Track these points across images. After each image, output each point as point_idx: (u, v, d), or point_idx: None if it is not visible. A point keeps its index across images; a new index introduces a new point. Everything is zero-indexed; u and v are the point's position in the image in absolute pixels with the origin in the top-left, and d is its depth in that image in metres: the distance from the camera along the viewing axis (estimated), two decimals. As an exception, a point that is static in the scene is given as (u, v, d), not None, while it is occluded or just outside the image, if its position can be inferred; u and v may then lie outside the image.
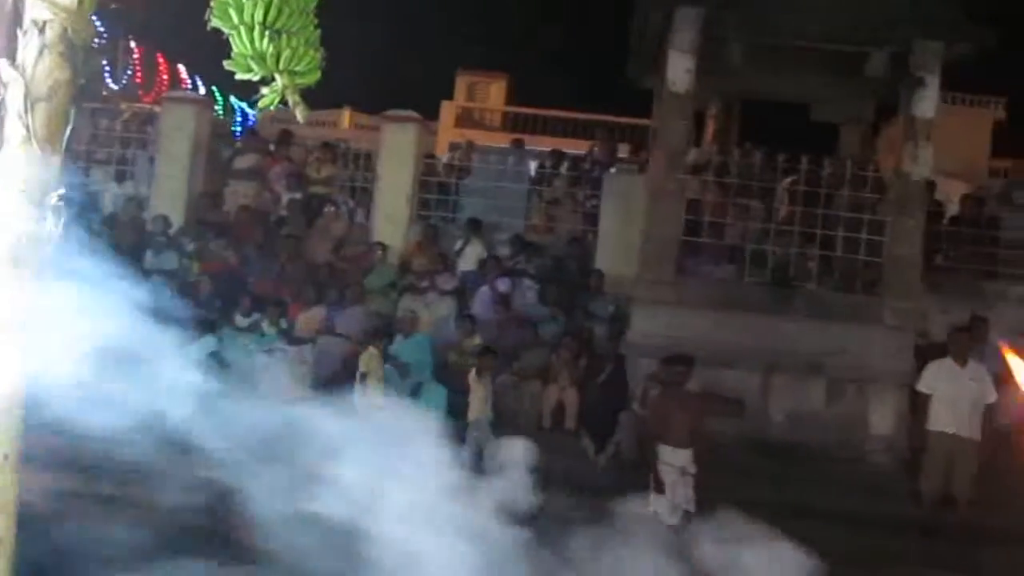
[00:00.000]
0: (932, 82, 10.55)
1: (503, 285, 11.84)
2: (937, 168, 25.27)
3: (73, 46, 2.11)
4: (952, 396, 9.26)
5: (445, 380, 10.92)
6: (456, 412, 10.75)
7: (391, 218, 12.89)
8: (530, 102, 33.44)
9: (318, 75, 1.96)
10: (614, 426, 10.14)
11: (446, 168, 13.52)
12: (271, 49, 1.90)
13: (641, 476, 9.20)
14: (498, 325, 11.23)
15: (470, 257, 12.37)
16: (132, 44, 26.59)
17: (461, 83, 34.28)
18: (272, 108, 2.03)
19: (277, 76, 1.93)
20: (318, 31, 2.01)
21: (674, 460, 8.77)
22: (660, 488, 8.76)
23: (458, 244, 12.57)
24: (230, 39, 2.01)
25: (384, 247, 12.55)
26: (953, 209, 13.51)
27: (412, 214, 13.11)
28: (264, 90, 2.03)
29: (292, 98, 1.93)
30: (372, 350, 10.07)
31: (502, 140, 23.03)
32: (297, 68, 1.92)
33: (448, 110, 32.84)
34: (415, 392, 10.64)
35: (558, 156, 13.86)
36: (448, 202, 13.39)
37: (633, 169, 12.28)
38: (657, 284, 10.56)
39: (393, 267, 12.50)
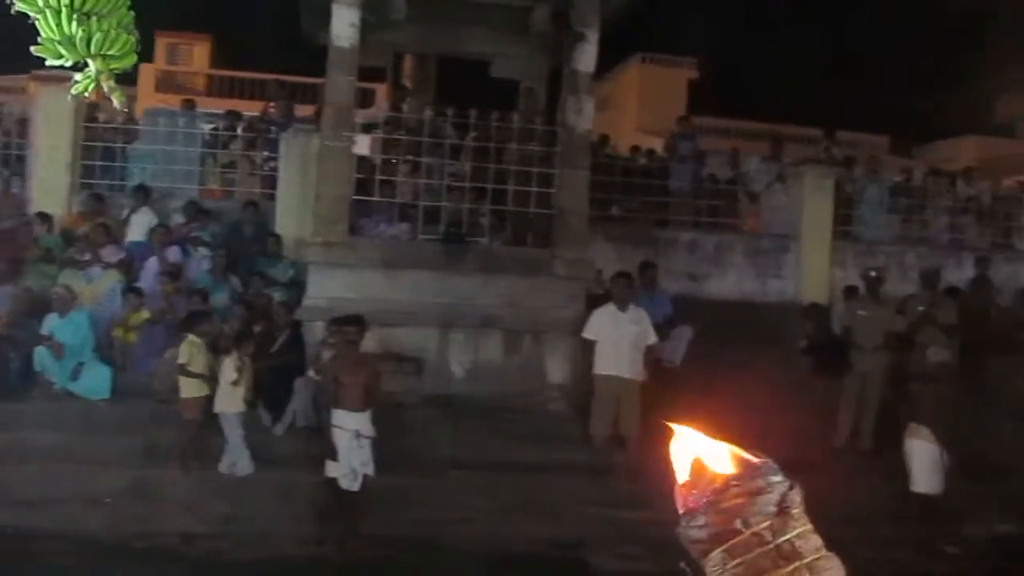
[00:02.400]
0: (592, 36, 10.78)
1: (173, 255, 11.20)
2: (637, 125, 26.45)
3: None
4: (614, 340, 9.57)
5: (110, 359, 10.29)
6: (122, 392, 10.13)
7: (49, 187, 11.89)
8: (238, 65, 32.10)
9: (134, 58, 1.65)
10: (291, 394, 9.82)
11: (111, 132, 12.57)
12: (80, 33, 1.56)
13: (320, 444, 9.01)
14: (166, 297, 10.60)
15: (138, 226, 11.61)
16: None
17: (161, 45, 32.43)
18: (87, 94, 1.69)
19: (90, 61, 1.59)
20: (132, 13, 1.68)
21: (348, 423, 8.59)
22: (334, 454, 8.56)
23: (124, 213, 11.77)
24: (36, 24, 1.65)
25: (48, 218, 11.58)
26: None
27: (74, 182, 12.15)
28: (77, 76, 1.70)
29: (107, 84, 1.60)
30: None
31: (209, 106, 21.91)
32: (111, 52, 1.60)
33: (147, 74, 30.98)
34: (75, 374, 9.91)
35: (233, 117, 13.24)
36: (115, 169, 12.49)
37: (311, 129, 11.87)
38: (330, 245, 10.29)
39: (58, 240, 11.55)
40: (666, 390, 10.64)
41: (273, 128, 12.68)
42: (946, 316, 10.72)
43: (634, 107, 32.01)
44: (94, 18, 1.66)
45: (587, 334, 9.72)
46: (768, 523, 0.90)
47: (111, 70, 1.67)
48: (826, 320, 11.60)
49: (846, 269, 12.86)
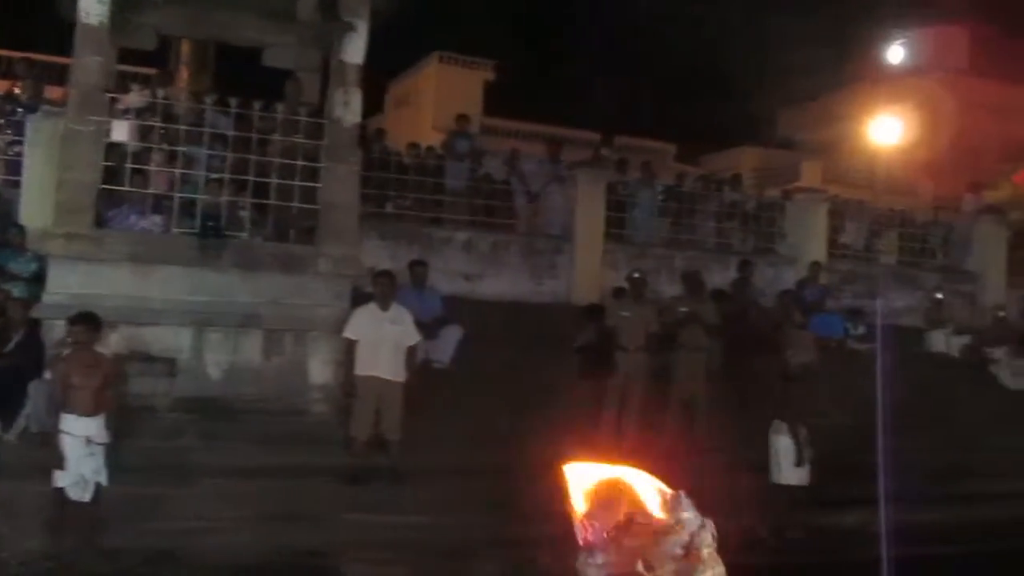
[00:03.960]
0: (361, 28, 10.48)
1: None
2: (434, 124, 26.28)
3: None
4: (375, 340, 9.31)
5: None
6: None
7: None
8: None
9: None
10: (25, 397, 9.07)
11: None
12: None
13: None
14: None
15: None
16: None
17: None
18: None
19: None
20: None
21: (78, 429, 7.96)
22: (61, 462, 7.93)
23: None
24: None
25: None
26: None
27: None
28: None
29: None
30: None
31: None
32: None
33: None
34: None
35: (-25, 97, 12.21)
36: None
37: (61, 112, 11.03)
38: (73, 237, 9.57)
39: None
40: (433, 391, 10.53)
41: (19, 110, 11.74)
42: (707, 317, 11.01)
43: (431, 106, 31.81)
44: None
45: (347, 333, 9.42)
46: (674, 567, 0.81)
47: None
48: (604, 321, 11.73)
49: (618, 271, 13.06)
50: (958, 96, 34.41)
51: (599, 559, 0.82)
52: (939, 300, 15.22)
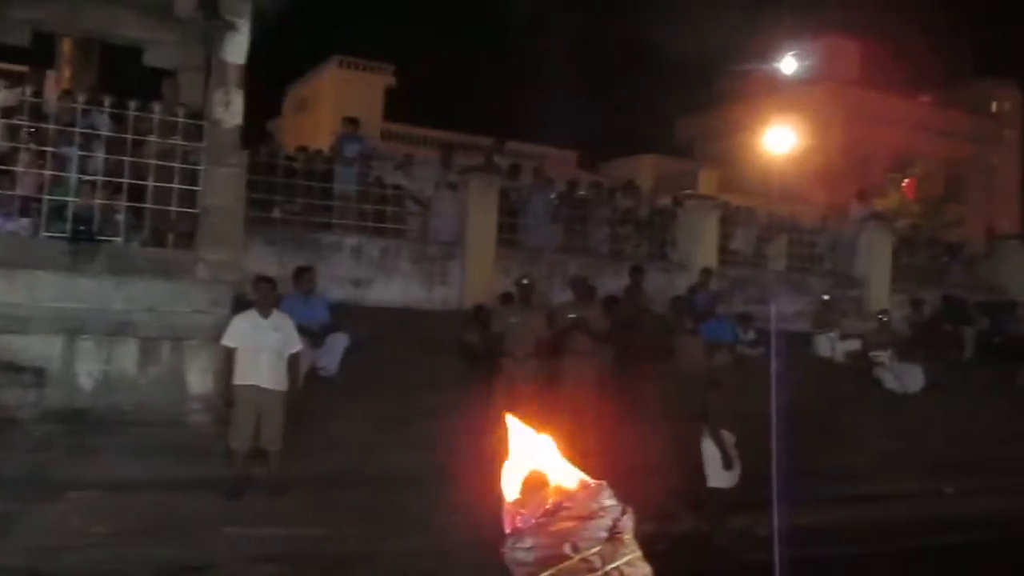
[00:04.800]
0: (243, 27, 10.21)
1: None
2: (333, 129, 25.85)
3: None
4: (255, 347, 9.03)
5: None
6: None
7: None
8: None
9: None
10: None
11: None
12: None
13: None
14: None
15: None
16: None
17: None
18: None
19: None
20: None
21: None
22: (-86, 478, 7.51)
23: None
24: None
25: None
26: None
27: None
28: None
29: None
30: None
31: None
32: None
33: None
34: None
35: None
36: None
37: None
38: (-69, 242, 9.09)
39: None
40: (318, 399, 10.29)
41: None
42: (595, 323, 10.99)
43: (331, 110, 31.39)
44: None
45: (225, 341, 9.11)
46: (598, 549, 0.85)
47: None
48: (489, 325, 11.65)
49: (510, 277, 12.96)
50: (849, 107, 35.40)
51: (528, 543, 0.85)
52: (827, 301, 15.50)
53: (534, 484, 0.89)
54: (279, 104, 37.12)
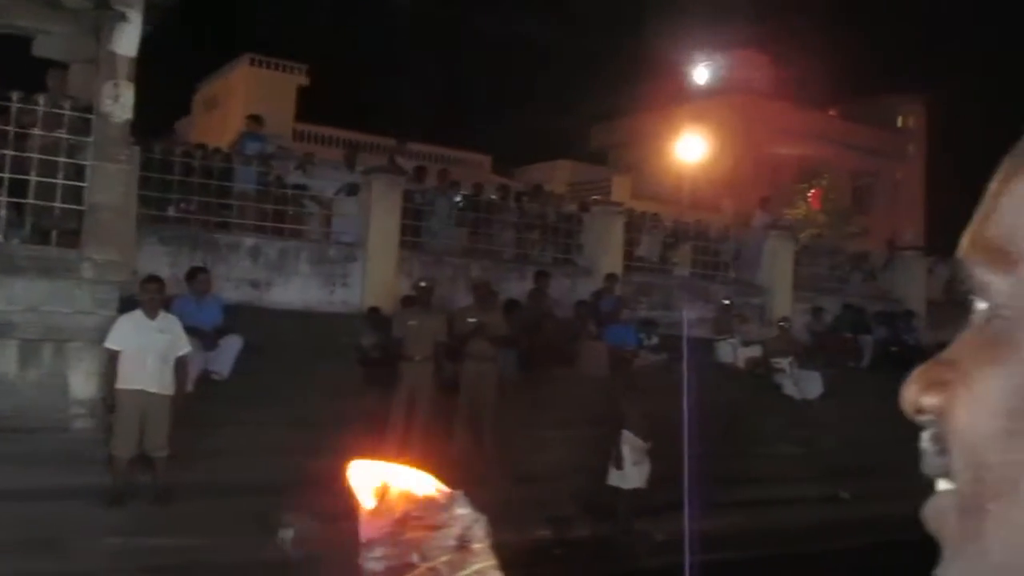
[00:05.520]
0: (135, 18, 9.89)
1: None
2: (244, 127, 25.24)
3: None
4: (140, 350, 8.72)
5: None
6: None
7: None
8: None
9: None
10: None
11: None
12: None
13: None
14: None
15: None
16: None
17: None
18: None
19: None
20: None
21: None
22: None
23: None
24: None
25: None
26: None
27: None
28: None
29: None
30: None
31: None
32: None
33: None
34: None
35: None
36: None
37: None
38: None
39: None
40: (208, 403, 10.00)
41: None
42: (496, 328, 10.89)
43: (241, 109, 30.77)
44: None
45: (109, 343, 8.79)
46: (446, 558, 0.83)
47: None
48: (387, 328, 11.48)
49: (413, 279, 12.81)
50: (759, 118, 35.99)
51: (378, 552, 0.84)
52: (728, 306, 15.64)
53: (386, 494, 0.87)
54: (189, 103, 36.36)
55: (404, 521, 0.84)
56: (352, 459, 0.90)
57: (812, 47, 35.99)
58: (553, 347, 12.68)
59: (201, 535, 8.52)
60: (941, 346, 0.61)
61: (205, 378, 10.49)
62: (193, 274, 10.71)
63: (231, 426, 9.91)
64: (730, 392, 13.66)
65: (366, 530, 0.86)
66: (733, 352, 14.88)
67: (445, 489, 0.87)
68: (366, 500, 0.88)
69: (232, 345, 10.46)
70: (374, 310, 11.88)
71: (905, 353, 16.47)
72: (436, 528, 0.84)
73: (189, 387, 9.80)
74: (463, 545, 0.84)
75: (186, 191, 12.29)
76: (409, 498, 0.86)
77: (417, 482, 0.88)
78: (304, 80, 33.11)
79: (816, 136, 37.34)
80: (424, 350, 10.28)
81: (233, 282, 12.20)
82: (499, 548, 0.89)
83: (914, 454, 0.59)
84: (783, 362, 14.82)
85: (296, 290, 12.42)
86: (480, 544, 0.85)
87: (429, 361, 10.33)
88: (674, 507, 10.17)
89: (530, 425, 11.14)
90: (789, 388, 14.61)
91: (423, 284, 10.66)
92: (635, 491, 9.98)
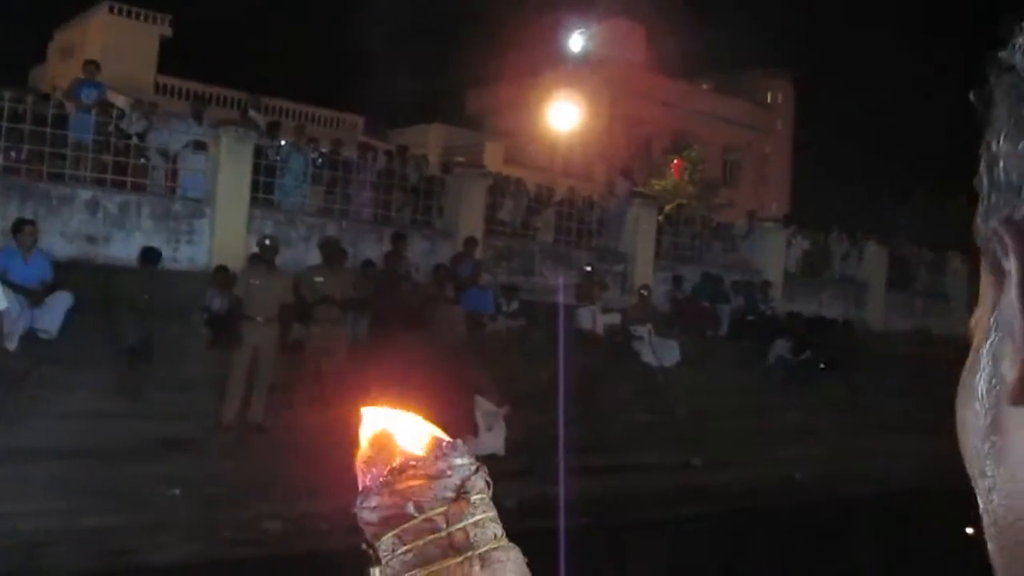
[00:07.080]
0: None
1: None
2: (104, 79, 24.26)
3: None
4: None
5: None
6: None
7: None
8: None
9: None
10: None
11: None
12: None
13: None
14: None
15: None
16: None
17: None
18: None
19: None
20: None
21: None
22: None
23: None
24: None
25: None
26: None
27: None
28: None
29: None
30: None
31: None
32: None
33: None
34: None
35: None
36: None
37: None
38: None
39: None
40: (34, 364, 9.41)
41: None
42: (343, 289, 10.55)
43: (99, 58, 29.38)
44: None
45: (-86, 299, 8.14)
46: (443, 509, 0.79)
47: None
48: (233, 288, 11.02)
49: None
50: (632, 88, 36.22)
51: (372, 502, 0.80)
52: (589, 273, 15.59)
53: (382, 442, 0.85)
54: (43, 50, 34.51)
55: (401, 470, 0.82)
56: (360, 406, 0.88)
57: (686, 19, 36.29)
58: (407, 311, 12.39)
59: (12, 502, 8.00)
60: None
61: (32, 336, 9.86)
62: (19, 226, 10.04)
63: (57, 390, 9.33)
64: (588, 359, 13.64)
65: (361, 478, 0.85)
66: (593, 319, 14.84)
67: (446, 438, 0.85)
68: (362, 449, 0.86)
69: (61, 302, 9.85)
70: (222, 269, 11.38)
71: (761, 322, 16.77)
72: (434, 478, 0.82)
73: (10, 345, 9.22)
74: (461, 496, 0.82)
75: (17, 140, 11.49)
76: (407, 446, 0.84)
77: (416, 430, 0.86)
78: (167, 31, 31.79)
79: (688, 108, 37.81)
80: (267, 311, 9.87)
81: (67, 237, 11.52)
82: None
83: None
84: (642, 329, 14.87)
85: (137, 245, 11.76)
86: (479, 495, 0.83)
87: (274, 322, 9.92)
88: (526, 473, 10.10)
89: (378, 391, 10.84)
90: (647, 355, 14.67)
91: (267, 242, 10.23)
92: (491, 457, 9.84)
